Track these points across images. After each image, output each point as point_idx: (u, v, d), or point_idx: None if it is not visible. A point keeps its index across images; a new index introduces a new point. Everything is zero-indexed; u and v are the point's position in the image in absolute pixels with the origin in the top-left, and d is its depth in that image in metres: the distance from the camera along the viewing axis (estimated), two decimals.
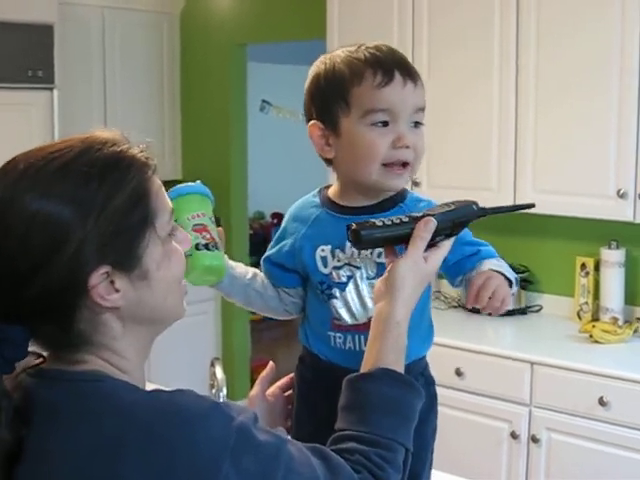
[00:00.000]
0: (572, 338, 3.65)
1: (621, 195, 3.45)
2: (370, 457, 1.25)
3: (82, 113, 5.10)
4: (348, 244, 1.54)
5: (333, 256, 1.58)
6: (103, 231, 1.10)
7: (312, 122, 1.57)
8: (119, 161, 1.14)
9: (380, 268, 1.54)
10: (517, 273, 4.13)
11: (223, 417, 1.10)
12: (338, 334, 1.60)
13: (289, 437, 1.20)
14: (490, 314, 1.52)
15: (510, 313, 4.02)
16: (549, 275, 4.12)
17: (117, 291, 1.13)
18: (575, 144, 3.59)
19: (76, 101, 5.04)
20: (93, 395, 1.11)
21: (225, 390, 2.45)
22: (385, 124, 1.51)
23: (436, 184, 3.92)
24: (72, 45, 5.00)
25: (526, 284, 4.05)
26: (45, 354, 1.19)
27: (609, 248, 3.76)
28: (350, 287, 1.59)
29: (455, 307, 4.16)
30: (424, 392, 1.37)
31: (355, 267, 1.58)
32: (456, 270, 1.58)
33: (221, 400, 2.45)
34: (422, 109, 1.55)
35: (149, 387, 1.18)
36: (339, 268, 1.58)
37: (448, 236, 1.44)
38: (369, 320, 1.50)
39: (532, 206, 1.57)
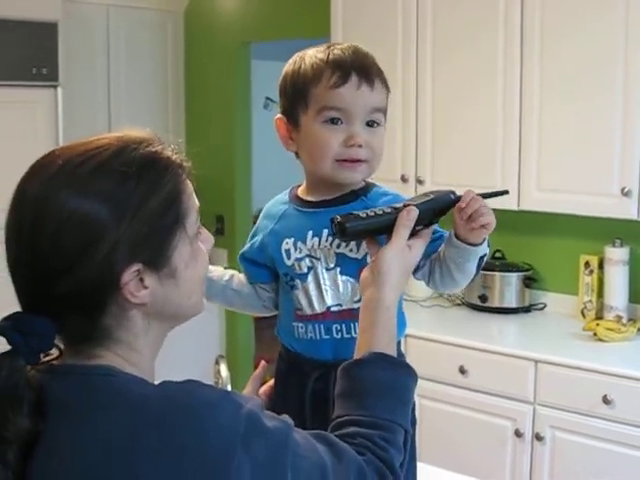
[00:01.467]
0: (576, 336, 3.65)
1: (625, 193, 3.45)
2: (372, 439, 1.27)
3: (86, 111, 5.11)
4: (309, 235, 1.63)
5: (295, 248, 1.66)
6: (137, 231, 1.12)
7: (277, 116, 1.66)
8: (156, 162, 1.16)
9: (339, 259, 1.62)
10: (521, 271, 4.15)
11: (232, 405, 1.11)
12: (300, 324, 1.67)
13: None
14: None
15: (514, 311, 4.02)
16: (553, 273, 4.12)
17: (145, 288, 1.15)
18: (579, 142, 3.59)
19: (80, 99, 5.05)
20: (104, 389, 1.12)
21: (230, 388, 2.45)
22: (338, 122, 1.57)
23: (440, 182, 3.91)
24: (76, 43, 5.00)
25: (530, 282, 4.05)
26: (62, 348, 1.19)
27: (613, 246, 3.76)
28: (310, 278, 1.65)
29: (459, 305, 4.16)
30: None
31: (315, 258, 1.64)
32: (423, 261, 1.62)
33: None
34: (380, 110, 1.60)
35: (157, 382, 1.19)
36: (300, 260, 1.65)
37: (428, 225, 1.49)
38: (327, 310, 1.62)
39: (506, 192, 1.64)
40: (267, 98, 7.23)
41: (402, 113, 4.03)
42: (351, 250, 1.61)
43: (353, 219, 1.44)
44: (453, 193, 1.52)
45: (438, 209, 1.50)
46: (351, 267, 1.58)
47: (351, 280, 1.62)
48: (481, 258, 1.59)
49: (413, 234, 1.46)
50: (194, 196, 1.23)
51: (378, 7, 4.11)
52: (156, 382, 1.16)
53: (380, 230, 1.46)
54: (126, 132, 1.19)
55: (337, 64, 1.58)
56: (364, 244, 1.56)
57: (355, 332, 1.58)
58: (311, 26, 4.81)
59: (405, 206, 1.46)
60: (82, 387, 1.13)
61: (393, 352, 1.38)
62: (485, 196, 1.54)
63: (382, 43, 4.05)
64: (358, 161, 1.59)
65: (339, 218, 1.44)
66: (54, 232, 1.10)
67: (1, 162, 4.44)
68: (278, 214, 1.72)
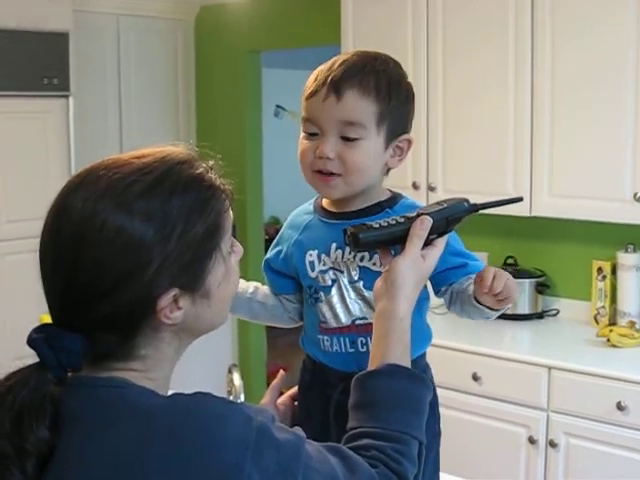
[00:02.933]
0: (589, 342, 3.63)
1: (638, 199, 3.44)
2: (386, 451, 1.26)
3: (97, 120, 5.13)
4: (333, 248, 1.62)
5: (319, 260, 1.64)
6: (180, 256, 1.13)
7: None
8: (201, 187, 1.17)
9: (362, 272, 1.61)
10: (534, 277, 4.13)
11: (243, 417, 1.11)
12: (326, 337, 1.66)
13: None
14: (501, 302, 1.54)
15: (527, 317, 4.01)
16: (566, 279, 4.10)
17: (179, 309, 1.16)
18: (591, 147, 3.58)
19: (91, 108, 5.06)
20: (114, 401, 1.12)
21: (243, 396, 2.45)
22: (315, 134, 1.58)
23: (451, 189, 3.90)
24: (87, 53, 5.02)
25: (543, 288, 4.04)
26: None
27: (626, 252, 3.75)
28: (334, 291, 1.64)
29: None
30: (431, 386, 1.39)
31: (339, 271, 1.63)
32: (442, 279, 1.63)
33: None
34: (353, 124, 1.56)
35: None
36: (325, 272, 1.64)
37: (442, 234, 1.48)
38: (352, 323, 1.61)
39: (520, 199, 1.62)
40: (278, 106, 7.24)
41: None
42: (374, 264, 1.60)
43: (366, 230, 1.43)
44: (467, 201, 1.51)
45: (452, 218, 1.48)
46: (374, 280, 1.55)
47: None
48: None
49: (427, 243, 1.45)
50: (231, 214, 1.23)
51: (388, 13, 4.11)
52: (170, 392, 1.16)
53: (394, 240, 1.45)
54: (167, 150, 1.19)
55: (317, 75, 1.59)
56: None
57: None
58: (321, 34, 4.81)
59: (418, 215, 1.45)
60: (93, 400, 1.13)
61: (407, 363, 1.37)
62: (499, 203, 1.53)
63: (392, 50, 4.00)
64: (330, 174, 1.57)
65: (352, 229, 1.43)
66: (99, 254, 1.10)
67: (13, 173, 4.47)
68: (303, 224, 1.71)
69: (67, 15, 4.65)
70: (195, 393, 1.13)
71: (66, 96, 4.68)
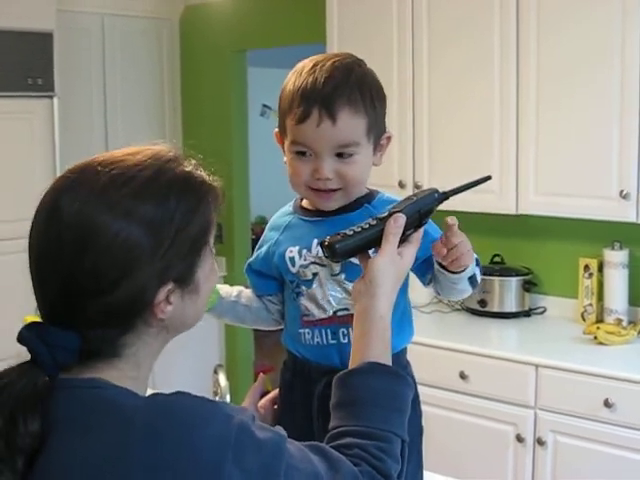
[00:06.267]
0: (576, 340, 3.64)
1: (624, 196, 3.44)
2: (368, 449, 1.25)
3: (83, 120, 5.11)
4: (314, 244, 1.65)
5: (300, 255, 1.67)
6: (177, 253, 1.15)
7: (275, 130, 1.68)
8: (192, 185, 1.19)
9: (344, 265, 1.63)
10: (520, 275, 4.14)
11: (222, 416, 1.10)
12: (307, 330, 1.68)
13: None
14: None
15: (514, 315, 4.02)
16: (552, 277, 4.11)
17: (170, 304, 1.17)
18: (577, 145, 3.58)
19: (76, 109, 5.04)
20: (95, 403, 1.11)
21: (229, 397, 2.44)
22: (307, 154, 1.59)
23: (437, 186, 3.89)
24: (72, 52, 5.00)
25: (530, 286, 4.04)
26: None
27: (612, 249, 3.75)
28: (315, 284, 1.67)
29: (458, 310, 4.15)
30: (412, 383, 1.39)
31: (321, 265, 1.66)
32: (426, 267, 1.65)
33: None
34: (347, 145, 1.58)
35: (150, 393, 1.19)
36: (306, 267, 1.67)
37: (417, 227, 1.48)
38: (334, 314, 1.64)
39: (489, 178, 1.62)
40: (264, 105, 7.23)
41: (398, 118, 4.03)
42: None
43: (341, 239, 1.43)
44: (436, 191, 1.52)
45: (424, 210, 1.49)
46: (356, 273, 1.57)
47: None
48: (470, 278, 1.60)
49: (403, 240, 1.45)
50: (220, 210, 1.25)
51: (373, 10, 4.11)
52: (152, 392, 1.16)
53: (370, 244, 1.45)
54: (154, 147, 1.21)
55: (303, 96, 1.57)
56: None
57: None
58: (306, 32, 4.81)
59: (390, 214, 1.45)
60: (74, 402, 1.12)
61: (388, 361, 1.37)
62: (468, 186, 1.53)
63: (377, 47, 4.05)
64: (331, 190, 1.61)
65: (327, 240, 1.43)
66: (97, 253, 1.10)
67: None
68: (283, 225, 1.74)
69: (51, 15, 4.61)
70: (174, 393, 1.13)
71: (50, 96, 4.65)
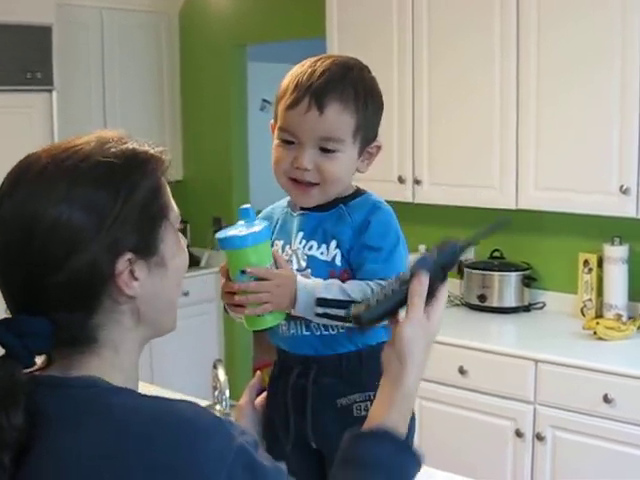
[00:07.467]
0: (576, 335, 3.64)
1: (624, 191, 3.44)
2: None
3: (81, 114, 5.10)
4: (293, 237, 1.68)
5: (283, 250, 1.69)
6: (129, 219, 1.14)
7: (271, 121, 1.70)
8: (137, 155, 1.19)
9: (310, 260, 1.64)
10: (520, 270, 4.14)
11: (224, 434, 1.09)
12: (284, 322, 1.68)
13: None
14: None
15: (513, 310, 4.02)
16: (552, 272, 4.11)
17: (136, 279, 1.16)
18: (577, 140, 3.58)
19: (75, 102, 5.04)
20: (90, 403, 1.11)
21: (228, 392, 2.44)
22: (291, 143, 1.61)
23: (437, 182, 3.90)
24: (71, 46, 4.99)
25: (529, 281, 4.04)
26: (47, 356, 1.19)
27: (612, 244, 3.75)
28: None
29: (457, 305, 4.15)
30: (421, 457, 1.37)
31: (289, 260, 1.67)
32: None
33: (224, 404, 2.44)
34: (332, 140, 1.59)
35: (152, 390, 1.18)
36: (287, 261, 1.68)
37: (442, 280, 1.43)
38: None
39: (509, 221, 1.58)
40: (264, 100, 7.21)
41: (398, 114, 4.02)
42: (322, 253, 1.64)
43: (365, 310, 1.39)
44: (457, 241, 1.46)
45: (447, 263, 1.44)
46: (322, 269, 1.60)
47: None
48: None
49: (429, 293, 1.40)
50: (169, 192, 1.24)
51: (373, 5, 4.11)
52: (155, 387, 1.15)
53: (396, 307, 1.42)
54: (100, 132, 1.22)
55: (297, 84, 1.59)
56: (332, 245, 1.62)
57: (333, 330, 1.62)
58: (306, 27, 4.81)
59: (412, 274, 1.40)
60: (67, 401, 1.11)
61: (404, 430, 1.36)
62: (488, 232, 1.48)
63: (377, 45, 4.04)
64: (309, 184, 1.62)
65: (354, 311, 1.40)
66: (43, 237, 1.11)
67: None
68: (274, 219, 1.77)
69: (50, 9, 4.61)
70: (179, 401, 1.13)
71: (49, 90, 4.65)
